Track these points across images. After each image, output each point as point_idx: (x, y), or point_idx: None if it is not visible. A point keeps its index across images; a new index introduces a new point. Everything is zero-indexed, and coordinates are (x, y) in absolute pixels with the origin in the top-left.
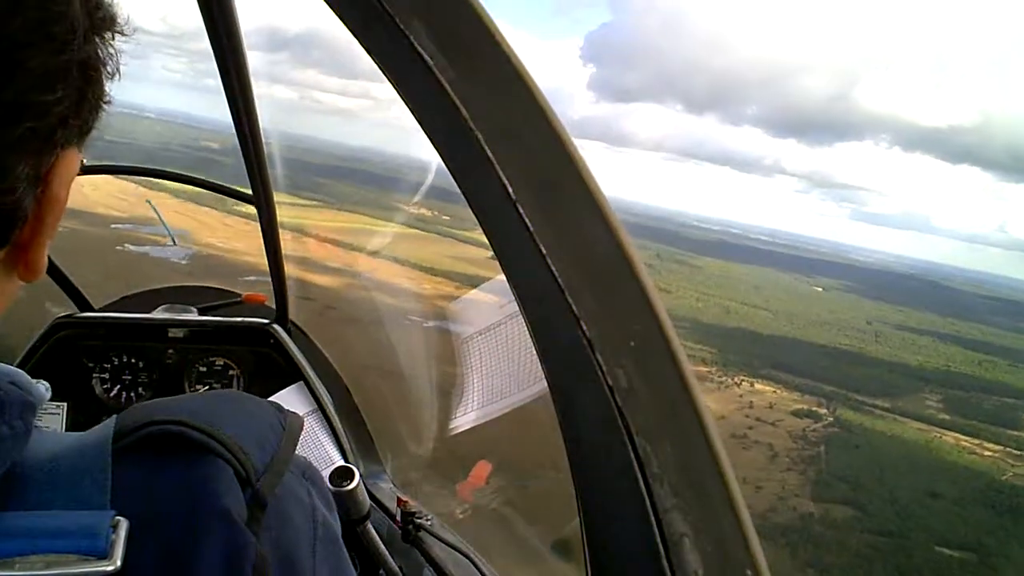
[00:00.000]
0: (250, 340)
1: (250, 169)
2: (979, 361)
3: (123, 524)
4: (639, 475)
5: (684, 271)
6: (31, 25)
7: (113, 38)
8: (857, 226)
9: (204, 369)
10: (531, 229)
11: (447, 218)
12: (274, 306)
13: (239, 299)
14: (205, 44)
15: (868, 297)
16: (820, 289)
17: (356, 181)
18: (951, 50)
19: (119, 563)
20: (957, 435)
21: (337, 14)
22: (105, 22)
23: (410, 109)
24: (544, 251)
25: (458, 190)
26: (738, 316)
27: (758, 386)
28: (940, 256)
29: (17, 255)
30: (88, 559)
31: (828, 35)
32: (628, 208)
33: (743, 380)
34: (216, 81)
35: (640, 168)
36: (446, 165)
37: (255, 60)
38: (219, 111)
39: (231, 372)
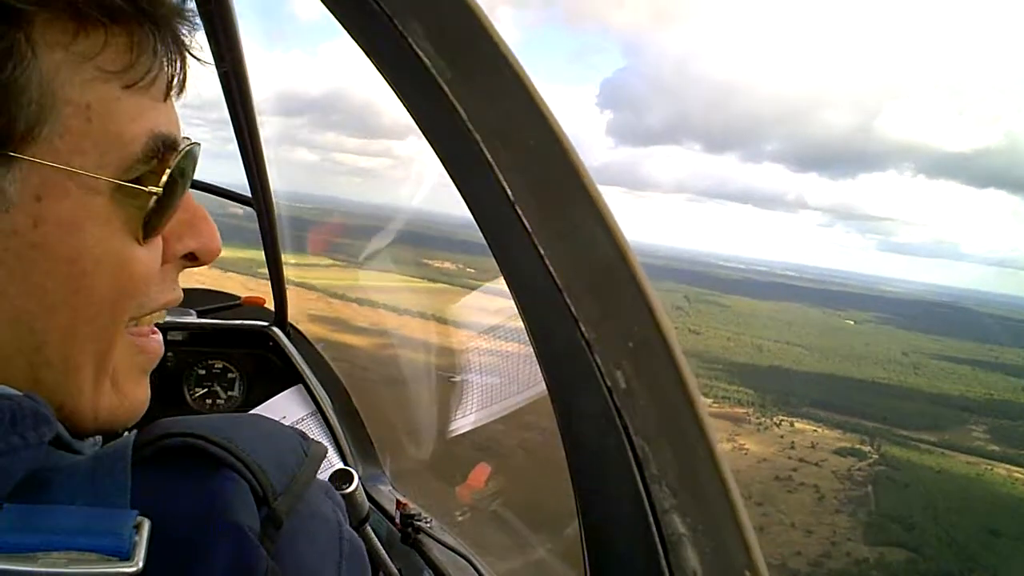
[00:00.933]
0: (249, 343)
1: (249, 171)
2: (1023, 387)
3: (146, 525)
4: (638, 476)
5: (713, 311)
6: None
7: None
8: (884, 256)
9: (203, 372)
10: (529, 231)
11: (472, 271)
12: (273, 309)
13: (238, 302)
14: (226, 113)
15: (902, 328)
16: (852, 322)
17: (380, 237)
18: (972, 73)
19: (141, 564)
20: (1009, 466)
21: (335, 15)
22: None
23: (408, 111)
24: (543, 253)
25: (482, 241)
26: (771, 354)
27: (798, 425)
28: (972, 282)
29: None
30: (110, 559)
31: (846, 68)
32: (653, 251)
33: (782, 420)
34: (236, 147)
35: (662, 211)
36: (444, 167)
37: (277, 126)
38: (239, 177)
39: (230, 375)
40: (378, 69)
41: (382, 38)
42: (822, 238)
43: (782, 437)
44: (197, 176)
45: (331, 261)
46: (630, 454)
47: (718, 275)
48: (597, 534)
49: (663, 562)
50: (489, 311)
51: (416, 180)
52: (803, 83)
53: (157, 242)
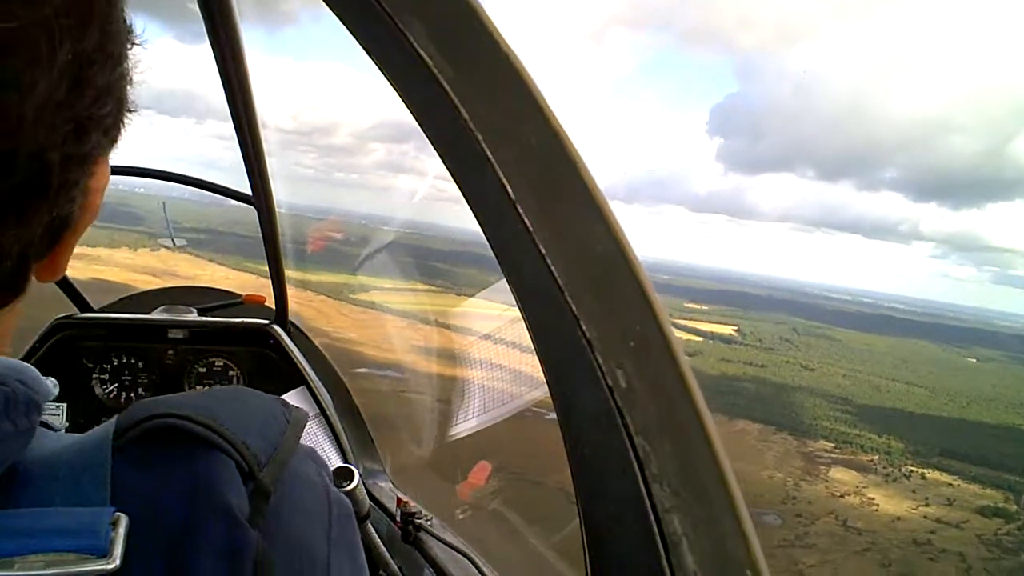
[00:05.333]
0: (250, 341)
1: (250, 170)
2: None
3: (123, 521)
4: (639, 475)
5: (823, 345)
6: (96, 44)
7: (131, 48)
8: (999, 290)
9: (204, 370)
10: (530, 229)
11: None
12: (274, 307)
13: (239, 300)
14: (334, 139)
15: None
16: (974, 360)
17: (478, 265)
18: None
19: (118, 561)
20: None
21: (336, 14)
22: (130, 35)
23: (409, 109)
24: (543, 251)
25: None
26: (891, 394)
27: (930, 475)
28: None
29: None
30: (88, 558)
31: (981, 89)
32: (755, 281)
33: (912, 470)
34: (343, 174)
35: (765, 240)
36: (445, 165)
37: (383, 153)
38: (343, 202)
39: (231, 373)
40: (380, 68)
41: (383, 37)
42: (932, 270)
43: (914, 492)
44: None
45: (429, 287)
46: (631, 453)
47: (825, 307)
48: (598, 533)
49: (664, 561)
50: None
51: None
52: (933, 106)
53: None
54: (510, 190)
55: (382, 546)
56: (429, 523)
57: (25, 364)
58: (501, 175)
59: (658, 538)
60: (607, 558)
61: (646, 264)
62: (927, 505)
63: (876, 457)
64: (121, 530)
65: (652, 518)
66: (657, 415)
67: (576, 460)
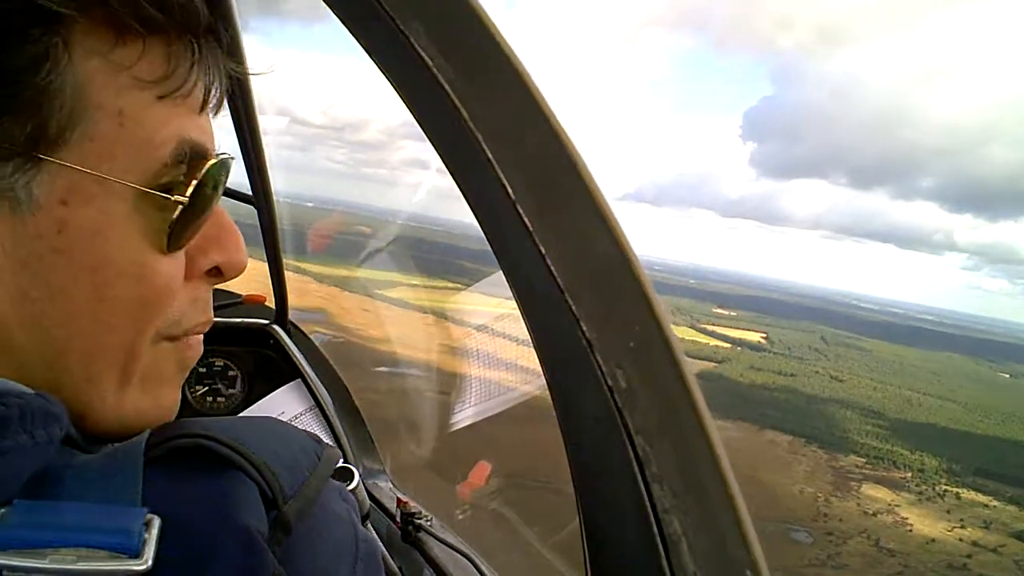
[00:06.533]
0: (250, 341)
1: (250, 169)
2: None
3: (155, 523)
4: (639, 475)
5: (853, 355)
6: None
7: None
8: None
9: (204, 369)
10: (531, 230)
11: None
12: (274, 307)
13: (239, 300)
14: (365, 135)
15: None
16: (1008, 376)
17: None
18: None
19: (150, 563)
20: None
21: (337, 15)
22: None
23: (410, 110)
24: (544, 252)
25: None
26: (923, 409)
27: (964, 495)
28: None
29: None
30: (119, 556)
31: (1023, 98)
32: (784, 288)
33: (946, 489)
34: (371, 169)
35: (794, 246)
36: (446, 166)
37: (412, 150)
38: (372, 198)
39: (231, 372)
40: (380, 69)
41: (384, 38)
42: (964, 281)
43: (948, 512)
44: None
45: (454, 284)
46: (631, 454)
47: (855, 316)
48: (598, 533)
49: (664, 562)
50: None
51: None
52: (974, 114)
53: (181, 255)
54: (510, 190)
55: (382, 546)
56: (429, 523)
57: None
58: (501, 175)
59: (658, 538)
60: (607, 558)
61: (674, 268)
62: (962, 527)
63: (909, 474)
64: (154, 532)
65: (652, 518)
66: (657, 416)
67: (576, 460)
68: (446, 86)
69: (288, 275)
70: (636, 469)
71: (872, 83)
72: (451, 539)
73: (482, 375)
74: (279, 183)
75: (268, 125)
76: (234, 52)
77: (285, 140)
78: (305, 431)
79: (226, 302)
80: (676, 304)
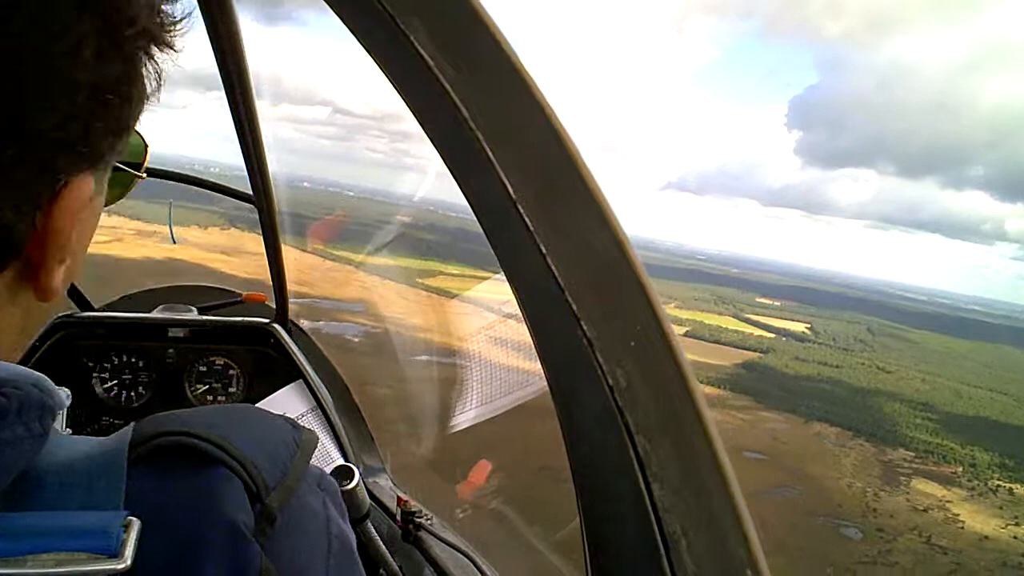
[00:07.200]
0: (250, 340)
1: (250, 169)
2: None
3: (135, 524)
4: (639, 475)
5: (900, 346)
6: (26, 43)
7: (151, 58)
8: None
9: (204, 369)
10: (531, 229)
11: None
12: (274, 306)
13: (239, 298)
14: (406, 125)
15: None
16: None
17: None
18: None
19: (129, 562)
20: None
21: (337, 14)
22: (136, 41)
23: (410, 109)
24: (544, 251)
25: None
26: (973, 402)
27: (1018, 491)
28: None
29: (28, 276)
30: (99, 557)
31: None
32: (828, 278)
33: (999, 484)
34: (414, 160)
35: (839, 236)
36: (446, 165)
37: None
38: (414, 188)
39: (231, 372)
40: (380, 68)
41: (385, 37)
42: (1014, 272)
43: (1001, 508)
44: None
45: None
46: (631, 453)
47: (900, 306)
48: (598, 532)
49: (664, 561)
50: None
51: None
52: None
53: None
54: (510, 190)
55: (382, 545)
56: (430, 522)
57: (39, 374)
58: (501, 175)
59: (658, 538)
60: (607, 558)
61: (717, 257)
62: (1016, 524)
63: (960, 469)
64: (133, 533)
65: (652, 518)
66: (657, 415)
67: (577, 459)
68: (447, 86)
69: (328, 264)
70: (636, 468)
71: (921, 70)
72: (451, 538)
73: (516, 364)
74: (321, 172)
75: (311, 115)
76: (234, 51)
77: (328, 131)
78: (283, 416)
79: (226, 301)
80: (719, 293)
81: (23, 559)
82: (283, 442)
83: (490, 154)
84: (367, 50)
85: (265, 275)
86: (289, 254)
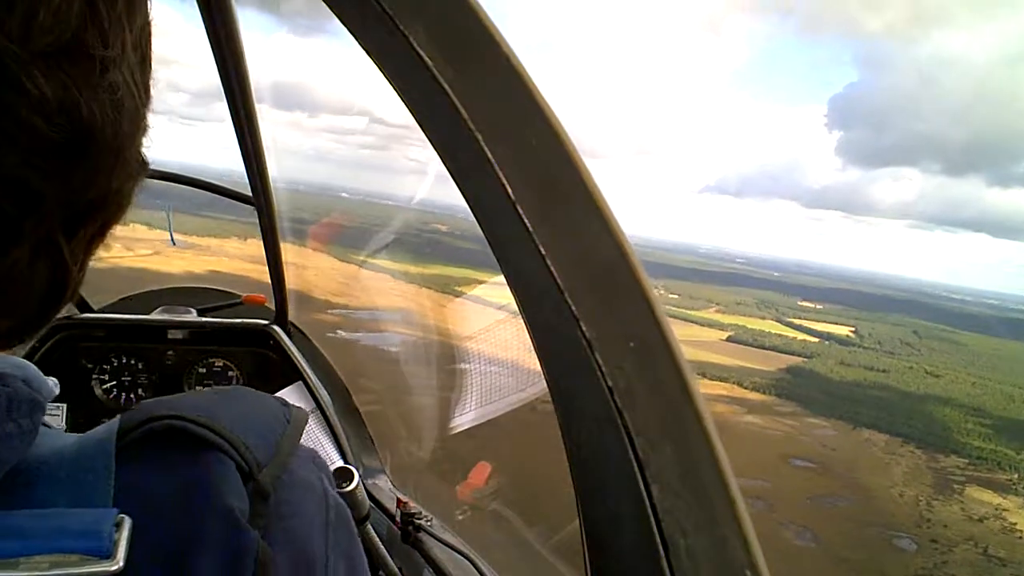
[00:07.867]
0: (250, 341)
1: (250, 170)
2: None
3: (126, 523)
4: (639, 476)
5: (948, 349)
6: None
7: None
8: None
9: (204, 370)
10: (531, 230)
11: (674, 296)
12: (273, 307)
13: (238, 300)
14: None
15: None
16: None
17: None
18: None
19: (122, 563)
20: None
21: (336, 14)
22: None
23: (409, 109)
24: (543, 252)
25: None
26: None
27: None
28: None
29: None
30: (91, 559)
31: None
32: (871, 280)
33: None
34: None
35: (882, 237)
36: (445, 166)
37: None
38: (449, 197)
39: (231, 373)
40: (379, 68)
41: (383, 37)
42: None
43: None
44: None
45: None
46: (631, 454)
47: (947, 308)
48: (597, 534)
49: (663, 562)
50: None
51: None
52: None
53: None
54: (510, 190)
55: (382, 546)
56: (429, 524)
57: (26, 362)
58: (501, 175)
59: (658, 538)
60: (607, 558)
61: (757, 261)
62: None
63: (1016, 476)
64: (125, 532)
65: (652, 518)
66: (658, 416)
67: (576, 461)
68: (445, 86)
69: (367, 273)
70: (636, 469)
71: (965, 66)
72: (451, 539)
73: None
74: (365, 183)
75: (350, 126)
76: (234, 54)
77: (366, 140)
78: (272, 396)
79: (225, 302)
80: (761, 297)
81: (15, 561)
82: (274, 418)
83: (489, 154)
84: (365, 50)
85: (309, 286)
86: (323, 260)
